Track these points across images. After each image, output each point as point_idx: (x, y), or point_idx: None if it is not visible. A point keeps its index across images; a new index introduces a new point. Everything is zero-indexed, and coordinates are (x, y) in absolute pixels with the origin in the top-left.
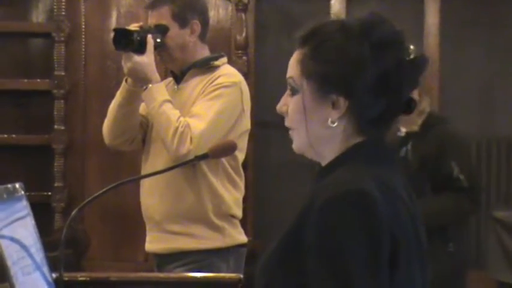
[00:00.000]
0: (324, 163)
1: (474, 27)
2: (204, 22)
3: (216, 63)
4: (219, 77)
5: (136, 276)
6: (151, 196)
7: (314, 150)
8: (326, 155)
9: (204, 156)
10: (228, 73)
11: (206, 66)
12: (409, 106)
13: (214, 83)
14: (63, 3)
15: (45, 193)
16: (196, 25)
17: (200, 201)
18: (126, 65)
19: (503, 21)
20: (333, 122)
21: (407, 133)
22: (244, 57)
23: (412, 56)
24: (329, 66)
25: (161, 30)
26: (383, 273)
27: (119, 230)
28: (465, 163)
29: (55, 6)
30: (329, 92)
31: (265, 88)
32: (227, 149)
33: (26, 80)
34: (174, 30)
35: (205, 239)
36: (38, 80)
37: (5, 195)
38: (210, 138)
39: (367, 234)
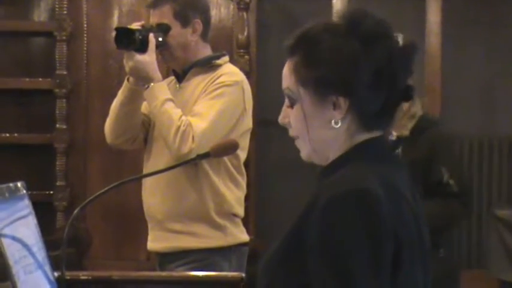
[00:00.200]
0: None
1: (476, 26)
2: (206, 21)
3: (218, 62)
4: (220, 75)
5: (138, 275)
6: (153, 195)
7: (319, 155)
8: (331, 156)
9: (205, 155)
10: (229, 72)
11: (208, 65)
12: (407, 93)
13: (216, 82)
14: (65, 2)
15: (47, 192)
16: (198, 24)
17: (202, 200)
18: (128, 64)
19: (504, 21)
20: (336, 123)
21: (398, 137)
22: (246, 56)
23: (401, 44)
24: (323, 68)
25: (163, 29)
26: (385, 273)
27: (121, 228)
28: (455, 168)
29: (57, 5)
30: (328, 94)
31: (267, 87)
32: (229, 148)
33: (27, 79)
34: (176, 29)
35: (207, 238)
36: (40, 79)
37: (7, 194)
38: (212, 137)
39: (369, 234)
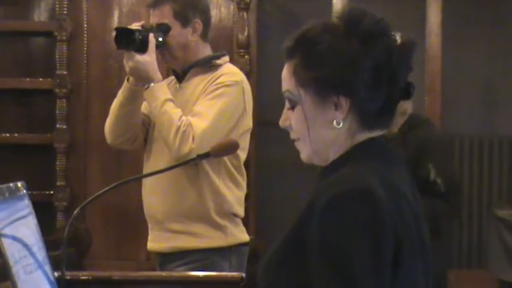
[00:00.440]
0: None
1: (476, 26)
2: (206, 21)
3: (218, 62)
4: (220, 75)
5: (138, 275)
6: (154, 195)
7: (319, 156)
8: (331, 156)
9: (206, 155)
10: (229, 72)
11: (208, 65)
12: (407, 91)
13: (216, 82)
14: (65, 2)
15: (47, 192)
16: (198, 24)
17: (202, 200)
18: (127, 64)
19: (505, 20)
20: (338, 123)
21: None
22: (246, 56)
23: (399, 42)
24: (324, 69)
25: (163, 29)
26: (386, 273)
27: (121, 228)
28: (444, 167)
29: (57, 5)
30: (329, 94)
31: (267, 87)
32: (229, 148)
33: (28, 79)
34: (176, 29)
35: (207, 238)
36: (40, 79)
37: (7, 194)
38: (212, 137)
39: (370, 233)
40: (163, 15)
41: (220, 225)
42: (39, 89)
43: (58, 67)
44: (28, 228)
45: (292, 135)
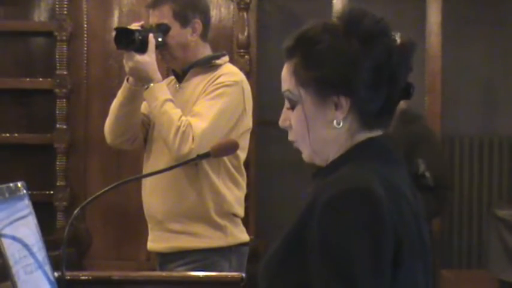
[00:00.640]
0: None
1: (476, 26)
2: (206, 21)
3: (218, 62)
4: (220, 76)
5: (138, 275)
6: (153, 195)
7: (319, 156)
8: (331, 156)
9: (206, 155)
10: (229, 72)
11: (208, 65)
12: (408, 91)
13: (215, 82)
14: (65, 2)
15: (47, 192)
16: (198, 24)
17: (202, 200)
18: (127, 64)
19: (505, 20)
20: (338, 123)
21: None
22: (246, 56)
23: (399, 42)
24: (324, 69)
25: (163, 29)
26: (386, 273)
27: (121, 228)
28: (433, 161)
29: (57, 5)
30: (329, 94)
31: (267, 87)
32: (229, 148)
33: (28, 79)
34: (176, 29)
35: (207, 238)
36: (40, 79)
37: (7, 194)
38: (212, 137)
39: (370, 233)
40: (162, 15)
41: (220, 225)
42: (39, 89)
43: (58, 67)
44: (28, 228)
45: (291, 136)
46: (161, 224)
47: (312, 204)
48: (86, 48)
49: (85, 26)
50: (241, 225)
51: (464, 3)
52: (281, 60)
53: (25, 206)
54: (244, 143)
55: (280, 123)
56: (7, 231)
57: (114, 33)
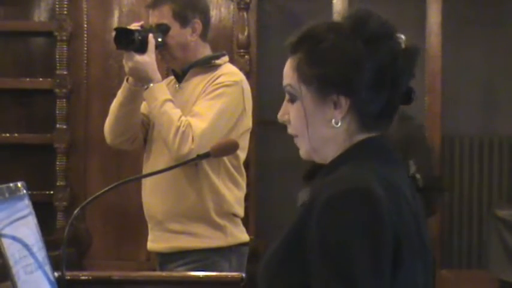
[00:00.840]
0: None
1: (476, 26)
2: (206, 21)
3: (218, 62)
4: (220, 76)
5: (138, 275)
6: (153, 195)
7: (318, 154)
8: (330, 155)
9: (205, 155)
10: (229, 72)
11: (207, 65)
12: (409, 96)
13: (215, 82)
14: (65, 2)
15: (47, 192)
16: (198, 24)
17: (202, 200)
18: (127, 64)
19: (505, 20)
20: (336, 123)
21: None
22: (246, 56)
23: (404, 46)
24: (326, 67)
25: (162, 29)
26: (386, 273)
27: (121, 229)
28: (424, 163)
29: (57, 5)
30: (329, 93)
31: (267, 87)
32: (229, 148)
33: (28, 79)
34: (175, 29)
35: (207, 238)
36: (40, 79)
37: (7, 194)
38: (212, 137)
39: (370, 233)
40: (162, 15)
41: (220, 225)
42: (39, 89)
43: (58, 67)
44: (28, 228)
45: (290, 130)
46: (161, 224)
47: (311, 203)
48: (86, 48)
49: (85, 26)
50: (241, 225)
51: (464, 3)
52: (281, 60)
53: (25, 206)
54: (244, 143)
55: (279, 116)
56: (7, 231)
57: (114, 33)
